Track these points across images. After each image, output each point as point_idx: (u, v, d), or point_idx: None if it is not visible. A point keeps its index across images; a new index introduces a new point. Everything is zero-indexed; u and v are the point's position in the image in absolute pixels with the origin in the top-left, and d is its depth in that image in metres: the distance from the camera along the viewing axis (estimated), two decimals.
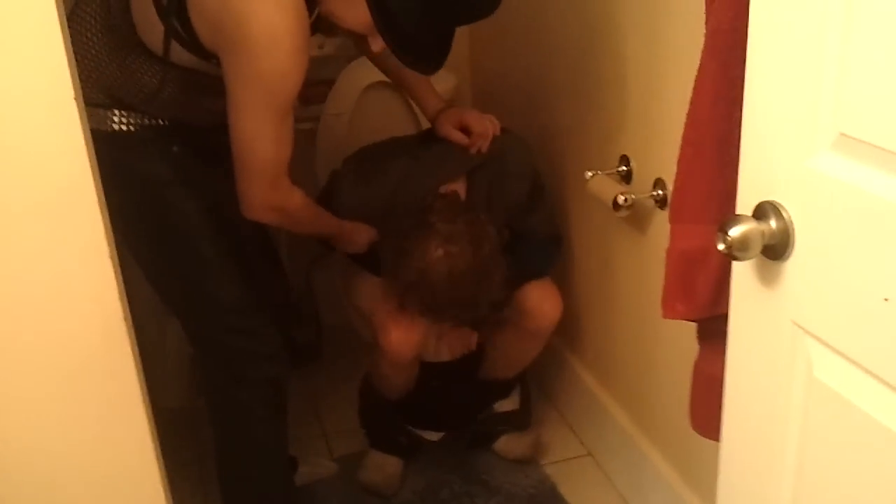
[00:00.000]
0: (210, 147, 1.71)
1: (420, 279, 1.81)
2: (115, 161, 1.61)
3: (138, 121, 1.68)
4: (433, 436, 2.33)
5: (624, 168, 1.91)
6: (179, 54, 1.58)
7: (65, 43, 1.04)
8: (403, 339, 1.99)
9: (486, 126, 1.99)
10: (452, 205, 1.89)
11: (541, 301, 2.07)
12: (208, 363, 1.89)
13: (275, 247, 2.13)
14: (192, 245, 1.73)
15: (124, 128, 1.67)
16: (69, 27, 1.62)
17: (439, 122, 2.02)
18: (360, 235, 1.97)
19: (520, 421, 2.35)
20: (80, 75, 1.60)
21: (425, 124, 2.48)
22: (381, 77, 2.42)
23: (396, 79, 2.08)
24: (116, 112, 1.66)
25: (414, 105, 2.47)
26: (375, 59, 2.04)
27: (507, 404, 2.33)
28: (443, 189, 1.94)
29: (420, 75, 1.97)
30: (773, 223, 0.96)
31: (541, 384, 2.56)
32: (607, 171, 1.93)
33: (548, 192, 2.11)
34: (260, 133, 1.56)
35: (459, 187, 1.98)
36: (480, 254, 1.80)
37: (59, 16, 1.03)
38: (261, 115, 1.55)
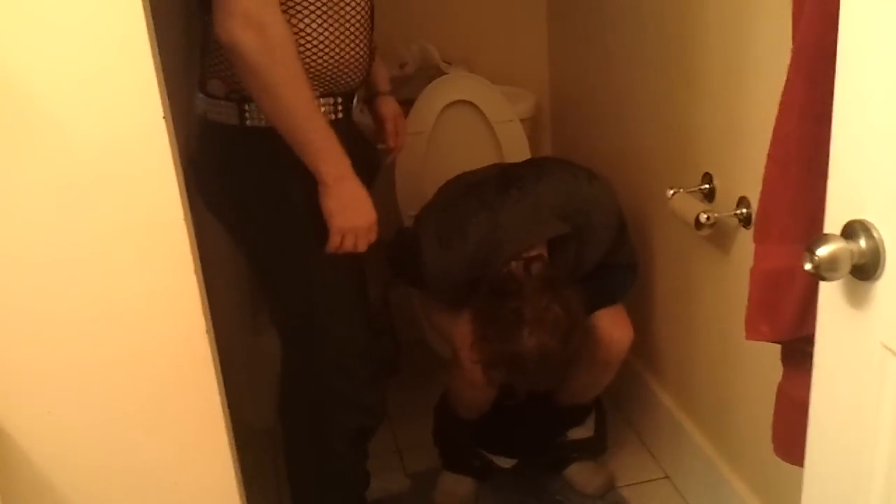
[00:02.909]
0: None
1: (511, 366, 1.80)
2: (251, 168, 1.61)
3: None
4: (506, 462, 2.32)
5: (707, 186, 1.88)
6: None
7: (154, 62, 1.07)
8: None
9: (400, 138, 2.01)
10: (541, 281, 1.79)
11: (611, 329, 2.05)
12: (303, 399, 1.85)
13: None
14: (332, 283, 1.70)
15: (258, 122, 1.58)
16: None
17: (378, 102, 1.99)
18: (357, 195, 1.60)
19: (594, 448, 2.33)
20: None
21: (504, 143, 2.50)
22: (461, 96, 2.45)
23: None
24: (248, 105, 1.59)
25: (494, 125, 2.49)
26: None
27: (582, 431, 2.31)
28: (526, 255, 1.85)
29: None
30: (862, 242, 0.94)
31: (619, 405, 2.53)
32: (689, 189, 1.90)
33: (628, 226, 2.08)
34: None
35: (542, 248, 1.90)
36: (573, 340, 1.77)
37: (149, 31, 1.05)
38: None
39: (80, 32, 1.03)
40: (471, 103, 2.48)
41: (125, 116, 1.08)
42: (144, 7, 1.05)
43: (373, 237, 1.64)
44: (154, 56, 1.07)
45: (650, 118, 2.17)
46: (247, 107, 1.58)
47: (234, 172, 1.65)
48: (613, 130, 2.41)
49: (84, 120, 1.06)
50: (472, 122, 2.51)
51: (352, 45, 1.63)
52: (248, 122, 1.59)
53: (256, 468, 1.79)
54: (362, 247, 1.63)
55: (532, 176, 2.00)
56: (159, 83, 1.08)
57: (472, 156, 2.41)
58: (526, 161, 2.21)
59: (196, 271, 1.17)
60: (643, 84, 2.19)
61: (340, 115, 1.67)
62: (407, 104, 2.47)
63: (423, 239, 1.98)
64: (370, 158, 1.83)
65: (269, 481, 2.26)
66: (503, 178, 2.02)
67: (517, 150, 2.53)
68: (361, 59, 1.68)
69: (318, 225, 1.62)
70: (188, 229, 1.15)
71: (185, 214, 1.14)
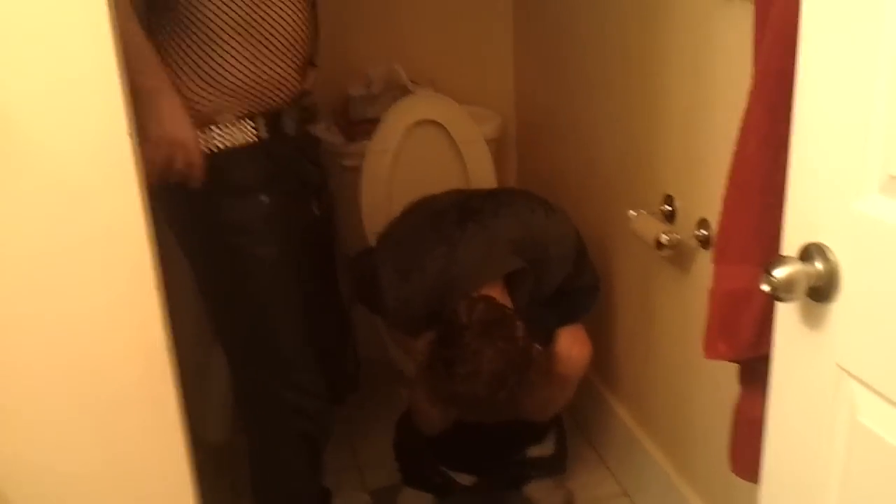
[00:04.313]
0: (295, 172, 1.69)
1: (447, 402, 1.87)
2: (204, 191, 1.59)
3: (229, 131, 1.61)
4: (466, 480, 2.31)
5: (668, 207, 1.90)
6: None
7: (121, 78, 1.06)
8: None
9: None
10: (481, 326, 1.80)
11: (570, 346, 2.06)
12: (249, 409, 1.88)
13: (335, 280, 2.12)
14: (264, 296, 1.71)
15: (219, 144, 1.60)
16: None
17: None
18: (175, 112, 1.54)
19: (554, 466, 2.33)
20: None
21: (470, 163, 2.51)
22: (427, 116, 2.46)
23: None
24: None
25: (460, 145, 2.50)
26: None
27: (542, 449, 2.31)
28: (476, 293, 1.86)
29: None
30: (818, 265, 0.96)
31: (578, 422, 2.54)
32: (651, 210, 1.93)
33: (587, 252, 2.09)
34: None
35: (498, 283, 1.91)
36: (506, 387, 1.78)
37: (116, 48, 1.05)
38: None
39: (46, 47, 1.03)
40: (437, 123, 2.48)
41: (90, 132, 1.07)
42: (111, 21, 1.04)
43: (193, 157, 1.56)
44: (120, 72, 1.06)
45: (613, 140, 2.19)
46: None
47: (173, 189, 1.62)
48: (577, 152, 2.43)
49: (49, 134, 1.06)
50: (437, 141, 2.51)
51: (273, 65, 1.63)
52: None
53: (213, 482, 1.77)
54: (182, 163, 1.55)
55: (490, 210, 2.01)
56: (125, 99, 1.07)
57: (438, 175, 2.42)
58: (486, 192, 2.20)
59: (157, 286, 1.16)
60: (607, 107, 2.21)
61: (266, 135, 1.66)
62: (373, 123, 2.48)
63: (382, 271, 1.99)
64: (308, 178, 1.84)
65: (225, 495, 2.23)
66: (462, 210, 2.02)
67: (482, 170, 2.54)
68: (286, 79, 1.66)
69: (256, 242, 1.64)
70: (150, 244, 1.14)
71: (148, 230, 1.14)
